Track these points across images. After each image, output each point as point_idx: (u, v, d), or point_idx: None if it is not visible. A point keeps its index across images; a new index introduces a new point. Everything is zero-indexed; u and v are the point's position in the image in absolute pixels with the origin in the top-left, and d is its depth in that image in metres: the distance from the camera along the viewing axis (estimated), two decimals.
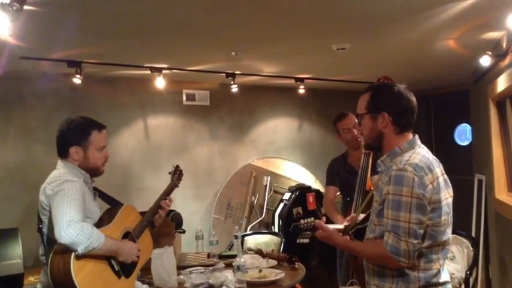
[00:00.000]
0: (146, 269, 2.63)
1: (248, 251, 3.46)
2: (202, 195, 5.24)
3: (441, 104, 6.16)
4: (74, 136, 2.31)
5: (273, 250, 3.53)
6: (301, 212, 5.01)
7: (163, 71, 4.26)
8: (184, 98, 5.15)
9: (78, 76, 3.89)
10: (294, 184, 5.36)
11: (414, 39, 3.44)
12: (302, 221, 2.33)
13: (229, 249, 3.69)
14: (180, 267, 3.02)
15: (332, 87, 5.66)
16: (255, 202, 5.31)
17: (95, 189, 2.43)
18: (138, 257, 2.33)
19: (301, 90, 5.17)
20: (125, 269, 2.28)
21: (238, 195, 5.30)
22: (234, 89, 4.78)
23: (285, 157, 5.73)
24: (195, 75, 4.67)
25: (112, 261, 2.22)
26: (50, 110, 4.34)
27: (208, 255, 3.42)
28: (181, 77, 4.86)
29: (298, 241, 2.17)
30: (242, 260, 2.79)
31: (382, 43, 3.61)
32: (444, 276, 1.87)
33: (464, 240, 3.33)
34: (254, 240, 4.00)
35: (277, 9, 2.75)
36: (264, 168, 5.48)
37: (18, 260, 3.56)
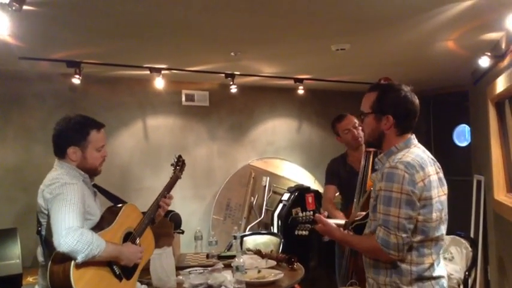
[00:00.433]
0: (145, 270, 2.62)
1: (247, 252, 3.47)
2: (201, 196, 5.24)
3: (440, 105, 6.16)
4: (73, 136, 2.24)
5: (272, 251, 3.54)
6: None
7: (163, 72, 4.26)
8: (183, 99, 5.15)
9: (78, 76, 3.89)
10: (293, 185, 5.36)
11: (414, 40, 3.44)
12: (300, 214, 2.36)
13: (228, 250, 3.69)
14: (179, 268, 3.02)
15: (331, 87, 5.67)
16: (254, 203, 5.31)
17: (94, 186, 2.38)
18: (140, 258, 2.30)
19: (301, 91, 5.18)
20: (125, 271, 2.24)
21: (238, 195, 5.30)
22: (233, 89, 4.79)
23: (284, 158, 5.73)
24: (194, 75, 4.67)
25: (113, 265, 2.18)
26: (49, 110, 4.34)
27: (207, 256, 3.42)
28: (180, 78, 4.86)
29: (296, 233, 2.16)
30: (241, 260, 2.80)
31: (382, 44, 3.61)
32: (438, 271, 1.92)
33: (463, 240, 3.33)
34: (253, 241, 4.00)
35: (276, 10, 2.75)
36: (263, 169, 5.49)
37: (16, 260, 3.56)
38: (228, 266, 2.93)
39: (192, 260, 3.36)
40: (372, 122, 1.99)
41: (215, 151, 5.37)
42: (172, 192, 2.68)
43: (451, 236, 3.39)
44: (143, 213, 2.50)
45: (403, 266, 1.87)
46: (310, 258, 5.00)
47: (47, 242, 2.15)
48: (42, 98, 4.36)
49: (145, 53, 3.76)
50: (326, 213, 2.26)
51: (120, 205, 2.39)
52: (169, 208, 2.73)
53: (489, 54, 3.51)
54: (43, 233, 2.18)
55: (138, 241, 2.36)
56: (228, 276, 2.75)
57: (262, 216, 5.26)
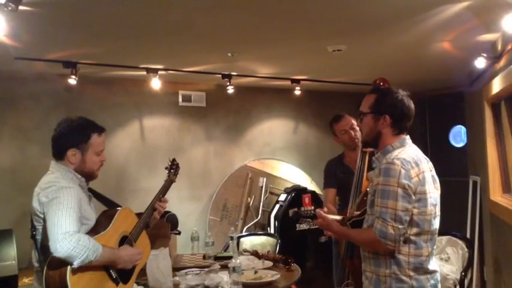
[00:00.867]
0: (141, 271, 2.61)
1: (244, 252, 3.46)
2: (198, 197, 5.23)
3: (436, 106, 6.18)
4: (74, 138, 2.20)
5: (268, 251, 3.53)
6: None
7: (159, 72, 4.25)
8: (180, 99, 5.15)
9: (74, 77, 3.87)
10: (289, 185, 5.37)
11: (410, 41, 3.45)
12: (302, 208, 2.43)
13: (225, 251, 3.68)
14: (176, 269, 3.01)
15: (328, 88, 5.67)
16: (251, 203, 5.31)
17: (89, 190, 2.35)
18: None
19: (297, 92, 5.18)
20: (122, 275, 2.22)
21: (234, 196, 5.30)
22: (230, 90, 4.78)
23: (281, 158, 5.73)
24: (191, 76, 4.66)
25: (110, 269, 2.16)
26: (44, 111, 4.32)
27: (204, 257, 3.42)
28: (177, 78, 4.85)
29: (298, 227, 2.21)
30: (238, 261, 2.79)
31: (378, 45, 3.62)
32: (433, 265, 2.06)
33: (459, 241, 3.34)
34: (250, 242, 4.01)
35: (273, 11, 2.75)
36: (260, 170, 5.49)
37: (12, 261, 3.54)
38: (224, 267, 2.93)
39: (189, 261, 3.36)
40: (370, 122, 2.13)
41: (212, 152, 5.36)
42: (169, 193, 2.67)
43: (447, 237, 3.40)
44: (138, 215, 2.48)
45: (402, 257, 1.99)
46: (307, 258, 5.01)
47: (42, 246, 2.11)
48: (37, 98, 4.35)
49: (142, 53, 3.76)
50: (326, 209, 2.37)
51: (115, 209, 2.36)
52: (166, 209, 2.71)
53: (485, 55, 3.51)
54: (38, 237, 2.13)
55: (134, 245, 2.34)
56: (224, 277, 2.75)
57: (259, 216, 5.26)
